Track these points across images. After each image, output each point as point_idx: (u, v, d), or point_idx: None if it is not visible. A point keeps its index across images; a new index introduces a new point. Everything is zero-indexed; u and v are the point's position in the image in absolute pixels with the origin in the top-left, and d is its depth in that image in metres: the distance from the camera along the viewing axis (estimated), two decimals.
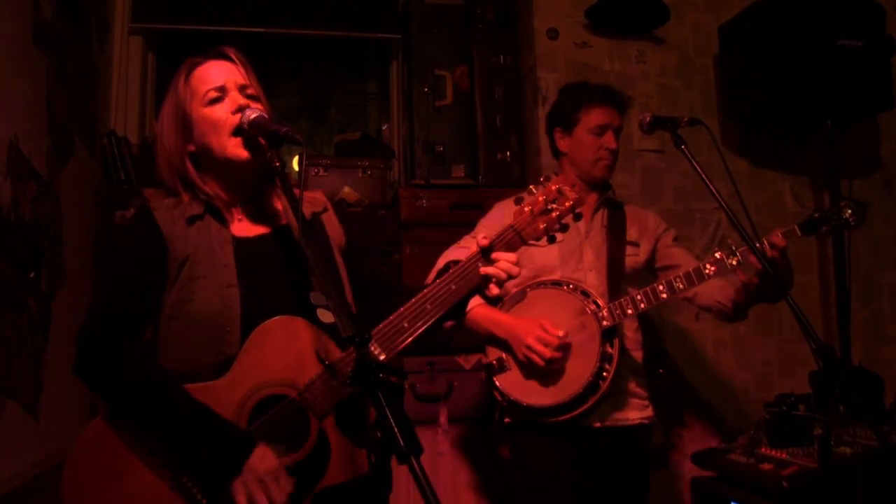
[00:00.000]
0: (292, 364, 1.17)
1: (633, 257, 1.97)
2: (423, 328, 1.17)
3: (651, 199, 2.69)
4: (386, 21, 2.87)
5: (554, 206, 1.20)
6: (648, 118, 1.69)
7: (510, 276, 1.17)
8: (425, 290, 1.18)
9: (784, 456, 2.00)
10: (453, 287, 1.17)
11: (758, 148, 2.81)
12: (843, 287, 2.45)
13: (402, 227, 2.59)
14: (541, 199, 1.21)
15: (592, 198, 2.00)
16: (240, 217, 1.28)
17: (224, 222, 1.25)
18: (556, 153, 2.04)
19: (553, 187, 1.21)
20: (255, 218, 1.29)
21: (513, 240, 1.20)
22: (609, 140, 1.93)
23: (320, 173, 2.58)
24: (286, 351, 1.17)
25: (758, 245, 1.60)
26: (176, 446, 1.13)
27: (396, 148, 2.95)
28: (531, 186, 1.23)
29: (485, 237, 1.19)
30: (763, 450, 2.07)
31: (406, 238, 2.56)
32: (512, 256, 1.18)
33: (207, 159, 1.24)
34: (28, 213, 1.81)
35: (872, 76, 2.43)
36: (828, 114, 2.47)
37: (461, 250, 1.92)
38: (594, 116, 1.94)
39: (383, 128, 3.14)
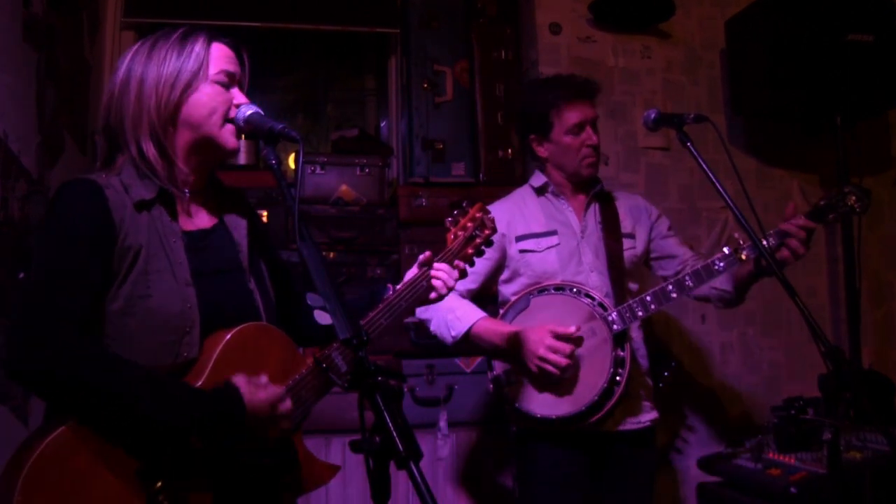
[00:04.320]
0: (273, 373, 1.15)
1: (631, 250, 1.92)
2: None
3: (656, 197, 2.66)
4: (384, 15, 2.82)
5: (478, 233, 1.41)
6: (653, 115, 1.66)
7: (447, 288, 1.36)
8: (391, 299, 1.31)
9: (792, 461, 1.98)
10: (403, 304, 1.33)
11: (765, 145, 2.78)
12: (853, 288, 2.42)
13: (400, 226, 2.56)
14: (469, 225, 1.41)
15: (582, 196, 1.96)
16: (184, 207, 1.21)
17: (174, 214, 1.18)
18: (536, 158, 1.98)
19: (477, 215, 1.42)
20: (198, 210, 1.25)
21: (448, 260, 1.39)
22: (589, 136, 1.87)
23: (317, 171, 2.54)
24: (260, 359, 1.16)
25: (765, 242, 1.61)
26: (160, 435, 1.04)
27: (395, 145, 2.91)
28: (456, 211, 1.42)
29: (425, 256, 1.37)
30: (771, 455, 2.06)
31: (405, 238, 2.54)
32: (447, 267, 1.36)
33: (186, 132, 1.18)
34: (17, 212, 1.78)
35: (883, 71, 2.39)
36: (837, 110, 2.45)
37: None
38: (568, 116, 1.86)
39: (381, 125, 3.10)
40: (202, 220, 1.24)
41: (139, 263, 1.10)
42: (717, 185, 1.52)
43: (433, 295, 1.35)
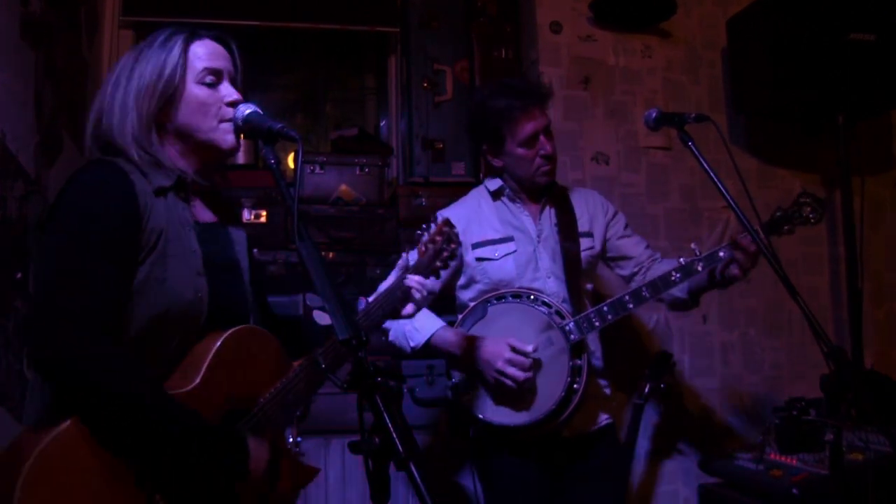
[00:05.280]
0: (261, 374, 1.17)
1: (590, 250, 1.91)
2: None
3: (657, 197, 2.65)
4: (384, 14, 2.81)
5: (445, 247, 1.45)
6: (654, 114, 1.65)
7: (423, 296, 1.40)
8: (367, 308, 1.34)
9: (794, 462, 1.98)
10: (380, 313, 1.36)
11: (767, 144, 2.76)
12: (855, 288, 2.41)
13: (400, 226, 2.54)
14: (438, 239, 1.45)
15: (539, 204, 1.93)
16: (195, 202, 1.24)
17: (187, 202, 1.19)
18: (490, 168, 1.96)
19: (445, 229, 1.46)
20: (207, 204, 1.27)
21: (422, 272, 1.43)
22: (543, 145, 1.83)
23: (316, 171, 2.52)
24: (257, 362, 1.18)
25: (721, 253, 1.68)
26: (165, 460, 1.04)
27: (395, 145, 2.90)
28: (424, 226, 1.47)
29: (401, 274, 1.41)
30: (772, 456, 2.05)
31: (404, 238, 2.52)
32: (420, 279, 1.39)
33: (183, 137, 1.18)
34: (15, 212, 1.76)
35: (885, 71, 2.38)
36: (839, 109, 2.43)
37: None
38: (520, 129, 1.81)
39: (381, 124, 3.09)
40: (206, 214, 1.25)
41: (159, 246, 1.10)
42: (719, 184, 1.51)
43: (409, 308, 1.38)
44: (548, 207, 1.93)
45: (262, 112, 1.19)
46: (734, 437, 2.51)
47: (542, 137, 1.83)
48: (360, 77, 3.18)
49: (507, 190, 1.93)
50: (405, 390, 2.25)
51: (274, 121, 1.14)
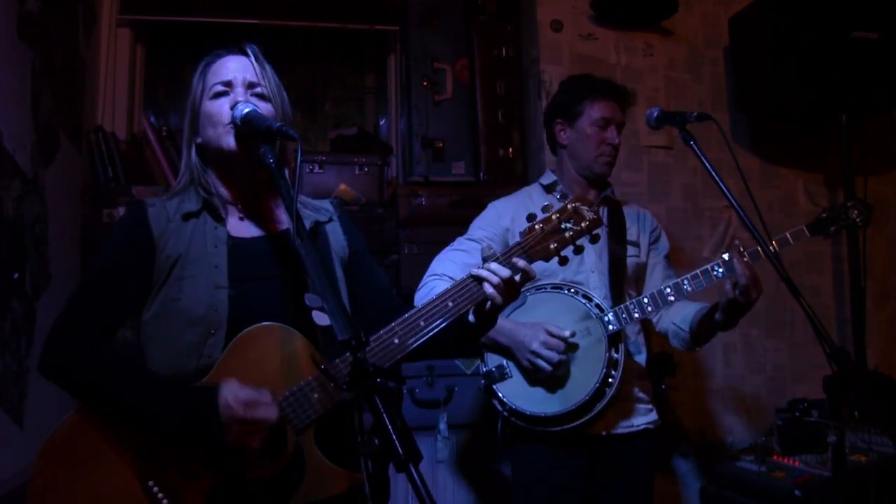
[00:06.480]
0: (273, 374, 1.14)
1: (635, 258, 1.93)
2: (415, 345, 1.14)
3: (659, 196, 2.64)
4: (384, 12, 2.81)
5: (569, 226, 1.19)
6: (656, 113, 1.65)
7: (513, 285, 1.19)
8: (421, 307, 1.17)
9: (797, 464, 1.98)
10: (450, 304, 1.16)
11: (770, 144, 2.75)
12: (859, 288, 2.39)
13: (400, 226, 2.54)
14: (554, 217, 1.20)
15: (592, 195, 1.95)
16: (238, 215, 1.28)
17: (220, 220, 1.24)
18: (555, 146, 2.00)
19: (570, 206, 1.20)
20: (253, 218, 1.29)
21: (508, 255, 1.19)
22: (612, 134, 1.90)
23: (315, 170, 2.52)
24: (268, 360, 1.15)
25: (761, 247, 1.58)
26: (150, 430, 1.12)
27: (394, 144, 2.90)
28: (547, 204, 1.22)
29: (487, 254, 1.20)
30: (775, 457, 2.06)
31: (404, 237, 2.52)
32: (505, 270, 1.17)
33: (209, 151, 1.26)
34: (12, 211, 1.76)
35: (888, 70, 2.36)
36: (842, 108, 2.42)
37: (458, 253, 1.87)
38: (598, 109, 1.90)
39: (381, 123, 3.08)
40: (255, 227, 1.28)
41: (175, 271, 1.19)
42: (721, 184, 1.50)
43: (488, 305, 1.18)
44: (601, 207, 1.94)
45: (260, 110, 1.19)
46: (736, 438, 2.49)
47: (613, 127, 1.90)
48: (360, 76, 3.17)
49: (560, 185, 1.96)
50: (405, 391, 2.24)
51: (273, 119, 1.17)
